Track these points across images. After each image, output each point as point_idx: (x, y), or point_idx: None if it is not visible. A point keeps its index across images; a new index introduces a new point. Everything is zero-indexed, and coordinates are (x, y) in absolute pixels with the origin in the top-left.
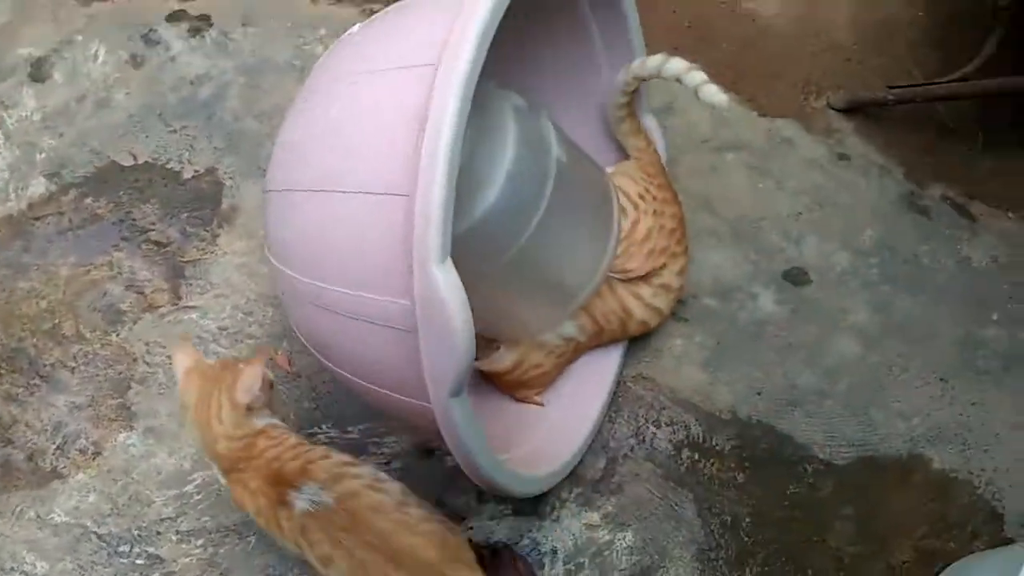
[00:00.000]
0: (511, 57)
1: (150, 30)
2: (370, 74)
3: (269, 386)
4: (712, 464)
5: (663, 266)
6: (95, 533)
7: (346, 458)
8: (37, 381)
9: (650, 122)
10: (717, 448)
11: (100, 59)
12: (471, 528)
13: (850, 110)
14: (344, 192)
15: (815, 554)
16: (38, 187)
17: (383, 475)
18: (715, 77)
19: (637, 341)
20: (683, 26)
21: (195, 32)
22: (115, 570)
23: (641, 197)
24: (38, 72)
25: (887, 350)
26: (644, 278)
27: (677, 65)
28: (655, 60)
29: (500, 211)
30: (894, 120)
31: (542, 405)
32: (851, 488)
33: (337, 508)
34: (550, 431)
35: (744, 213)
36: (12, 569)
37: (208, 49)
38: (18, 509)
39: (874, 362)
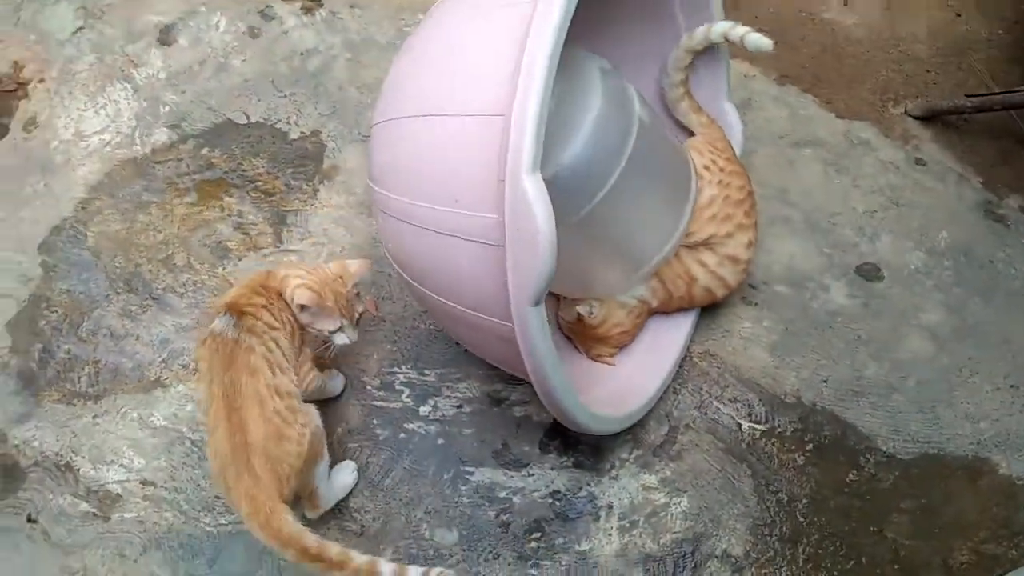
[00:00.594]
0: (600, 35)
1: (267, 6)
2: (475, 10)
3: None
4: (773, 444)
5: (729, 235)
6: (189, 439)
7: None
8: (149, 302)
9: (729, 108)
10: (779, 429)
11: (221, 29)
12: (532, 475)
13: (928, 118)
14: (445, 115)
15: (870, 543)
16: (161, 136)
17: None
18: (794, 80)
19: (705, 320)
20: (763, 31)
21: (307, 11)
22: (203, 472)
23: (707, 168)
24: (165, 37)
25: (958, 352)
26: (709, 245)
27: (722, 26)
28: (701, 29)
29: (584, 160)
30: (972, 131)
31: (613, 364)
32: (913, 483)
33: None
34: (619, 385)
35: (819, 206)
36: (112, 462)
37: (318, 26)
38: (123, 410)
39: (944, 363)
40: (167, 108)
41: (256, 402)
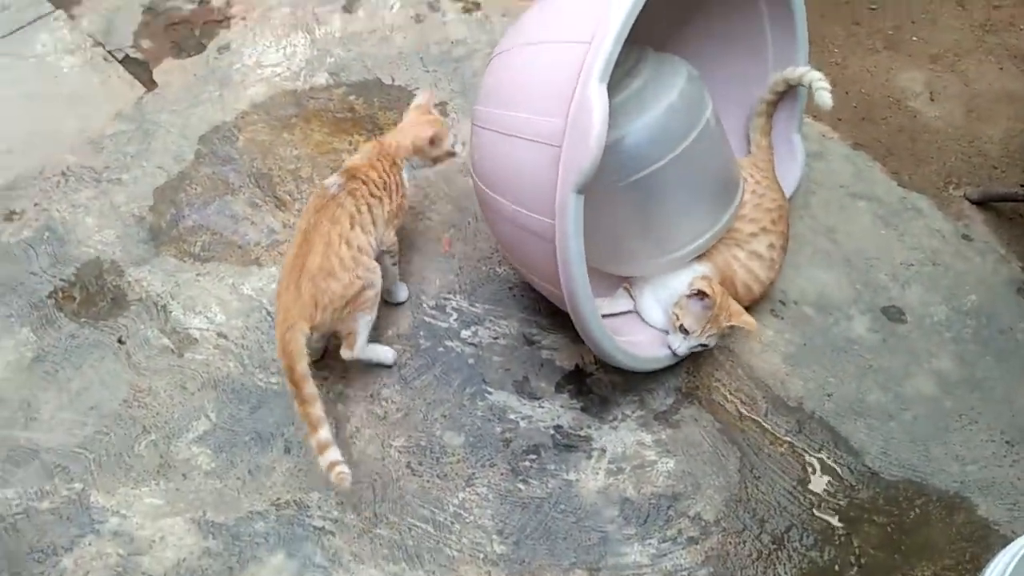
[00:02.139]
0: (697, 53)
1: (436, 1)
2: None
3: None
4: (767, 437)
5: (753, 235)
6: (266, 309)
7: None
8: (270, 197)
9: (796, 139)
10: (776, 425)
11: (394, 10)
12: (542, 408)
13: (983, 203)
14: (545, 43)
15: (837, 542)
16: (320, 79)
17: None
18: (867, 149)
19: None
20: (851, 105)
21: (467, 10)
22: (269, 338)
23: (743, 179)
24: (349, 6)
25: (961, 400)
26: (737, 242)
27: (814, 75)
28: (801, 69)
29: (647, 135)
30: None
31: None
32: (891, 501)
33: None
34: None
35: (860, 249)
36: (200, 312)
37: (471, 23)
38: (221, 275)
39: (946, 406)
40: (332, 59)
41: (324, 242)
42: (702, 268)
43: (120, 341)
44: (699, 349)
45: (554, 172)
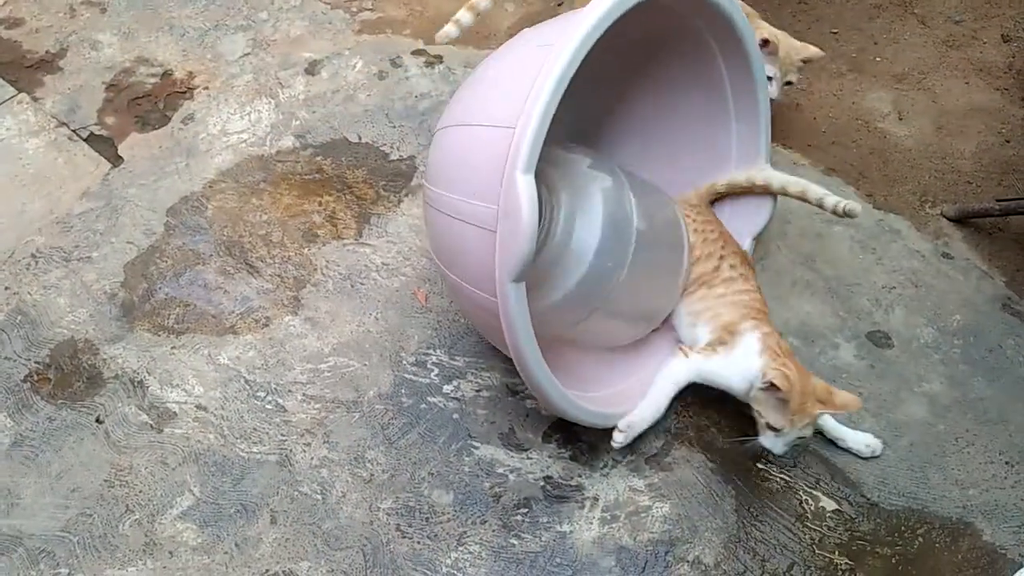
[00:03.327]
0: (650, 94)
1: (398, 56)
2: (519, 49)
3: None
4: (761, 475)
5: (716, 269)
6: (244, 378)
7: None
8: (242, 265)
9: (767, 167)
10: (770, 462)
11: (357, 69)
12: (530, 459)
13: (960, 220)
14: (478, 125)
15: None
16: (286, 142)
17: None
18: (840, 173)
19: None
20: (819, 131)
21: (429, 64)
22: (249, 407)
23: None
24: (312, 68)
25: (955, 423)
26: (709, 284)
27: (828, 199)
28: (773, 176)
29: (591, 279)
30: (1004, 238)
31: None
32: (893, 532)
33: None
34: (622, 390)
35: (840, 276)
36: (177, 385)
37: (435, 76)
38: (197, 347)
39: (941, 430)
40: (298, 122)
41: None
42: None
43: (98, 420)
44: (799, 442)
45: (494, 254)
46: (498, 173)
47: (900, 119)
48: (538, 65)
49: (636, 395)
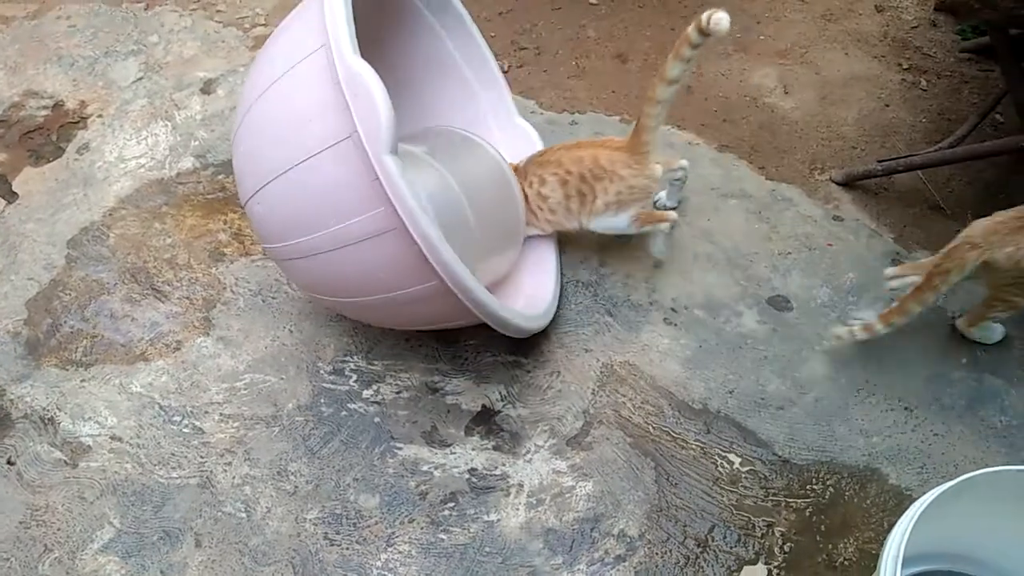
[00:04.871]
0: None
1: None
2: (281, 78)
3: None
4: (677, 443)
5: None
6: (159, 404)
7: None
8: (149, 291)
9: (521, 122)
10: (685, 430)
11: None
12: (454, 454)
13: (848, 184)
14: (300, 163)
15: (760, 534)
16: (186, 163)
17: None
18: (732, 149)
19: (628, 335)
20: (711, 110)
21: None
22: (165, 433)
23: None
24: (207, 88)
25: (856, 375)
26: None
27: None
28: None
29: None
30: (889, 197)
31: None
32: (805, 485)
33: None
34: (529, 296)
35: (738, 246)
36: (90, 418)
37: None
38: (107, 377)
39: (842, 383)
40: (196, 142)
41: None
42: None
43: (9, 463)
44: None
45: (403, 249)
46: (357, 178)
47: (786, 93)
48: (321, 70)
49: (537, 300)
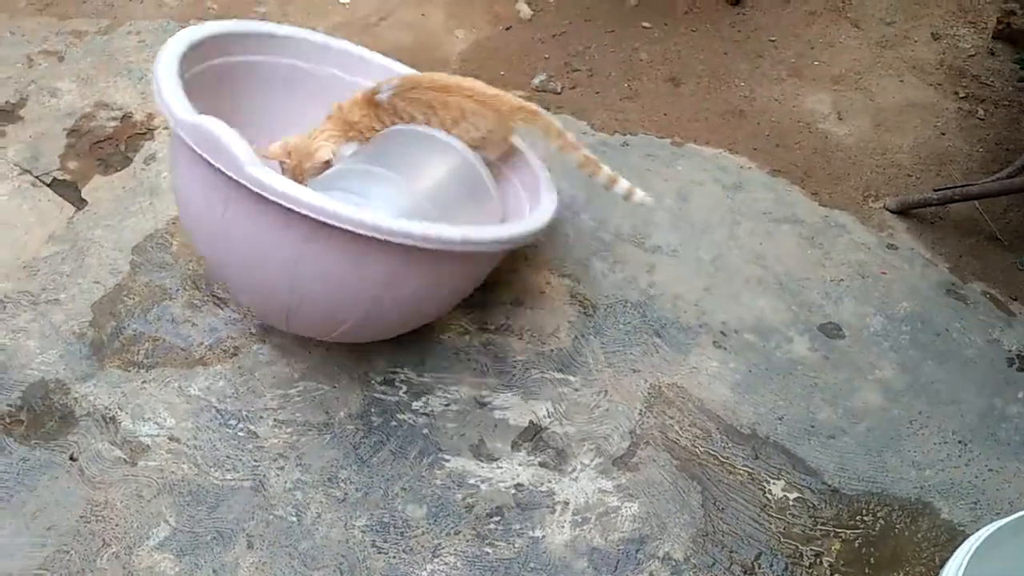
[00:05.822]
0: None
1: None
2: None
3: None
4: (725, 468)
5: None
6: (215, 407)
7: None
8: (209, 298)
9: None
10: (733, 455)
11: None
12: (501, 468)
13: (903, 212)
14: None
15: (807, 563)
16: None
17: None
18: (785, 174)
19: (677, 357)
20: (764, 134)
21: None
22: (221, 436)
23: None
24: None
25: (909, 406)
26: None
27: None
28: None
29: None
30: (945, 227)
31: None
32: (855, 516)
33: None
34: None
35: (790, 271)
36: (149, 419)
37: None
38: (167, 379)
39: (895, 414)
40: None
41: None
42: None
43: (72, 458)
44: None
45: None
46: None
47: (840, 119)
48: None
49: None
